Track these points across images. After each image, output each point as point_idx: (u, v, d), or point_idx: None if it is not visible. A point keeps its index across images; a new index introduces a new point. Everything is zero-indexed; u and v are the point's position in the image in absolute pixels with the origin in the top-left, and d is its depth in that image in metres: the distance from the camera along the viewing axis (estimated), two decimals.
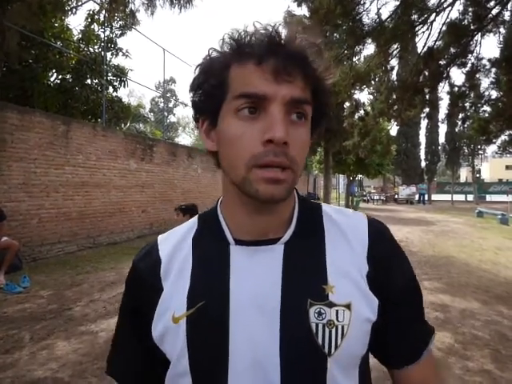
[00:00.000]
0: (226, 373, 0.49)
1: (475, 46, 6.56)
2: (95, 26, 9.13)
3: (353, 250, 0.54)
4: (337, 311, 0.49)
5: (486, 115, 9.04)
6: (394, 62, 6.93)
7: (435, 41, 6.05)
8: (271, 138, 0.44)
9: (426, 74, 6.67)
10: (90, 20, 8.91)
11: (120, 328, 0.63)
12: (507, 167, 41.42)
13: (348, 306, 0.50)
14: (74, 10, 6.76)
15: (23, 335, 3.20)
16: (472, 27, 6.17)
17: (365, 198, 27.40)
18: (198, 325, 0.51)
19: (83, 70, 8.42)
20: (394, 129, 26.06)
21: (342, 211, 0.62)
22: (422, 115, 8.58)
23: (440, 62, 6.49)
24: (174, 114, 33.93)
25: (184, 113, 44.81)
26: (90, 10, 8.86)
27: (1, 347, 2.96)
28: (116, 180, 8.00)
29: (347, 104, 8.91)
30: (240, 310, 0.50)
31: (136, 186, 8.69)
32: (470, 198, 26.17)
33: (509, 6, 6.16)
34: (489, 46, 8.46)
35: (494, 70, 7.15)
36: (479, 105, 9.28)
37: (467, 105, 9.53)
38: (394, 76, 8.02)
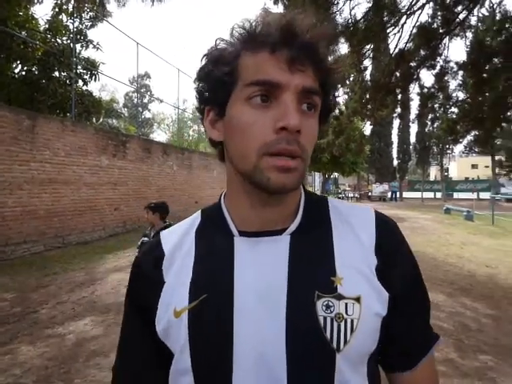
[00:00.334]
0: (230, 368, 0.47)
1: (443, 49, 6.83)
2: (63, 17, 8.73)
3: (361, 243, 0.53)
4: (346, 304, 0.47)
5: (454, 116, 9.45)
6: (367, 63, 7.07)
7: (406, 43, 6.24)
8: (285, 125, 0.44)
9: (398, 75, 6.87)
10: (57, 10, 8.51)
11: (125, 326, 0.60)
12: (473, 166, 43.55)
13: (357, 299, 0.48)
14: None
15: None
16: (441, 31, 6.41)
17: (340, 195, 27.98)
18: (200, 318, 0.49)
19: (50, 61, 8.04)
20: (368, 128, 26.76)
21: (349, 204, 0.61)
22: (394, 115, 8.86)
23: (411, 63, 6.69)
24: (149, 110, 33.16)
25: (159, 109, 43.95)
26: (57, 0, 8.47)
27: None
28: (86, 177, 7.72)
29: None
30: (245, 302, 0.48)
31: (108, 183, 8.43)
32: (439, 195, 27.28)
33: (475, 12, 6.46)
34: (456, 50, 8.83)
35: (461, 72, 7.47)
36: (447, 106, 9.68)
37: (436, 106, 9.93)
38: (367, 76, 8.22)
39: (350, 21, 5.46)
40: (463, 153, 30.70)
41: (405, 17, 5.79)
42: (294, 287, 0.48)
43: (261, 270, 0.50)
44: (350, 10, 5.41)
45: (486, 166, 29.22)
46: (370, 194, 27.90)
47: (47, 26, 8.56)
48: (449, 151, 28.97)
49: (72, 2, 7.56)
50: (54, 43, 8.46)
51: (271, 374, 0.46)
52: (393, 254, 0.53)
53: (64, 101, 8.44)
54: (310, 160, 0.50)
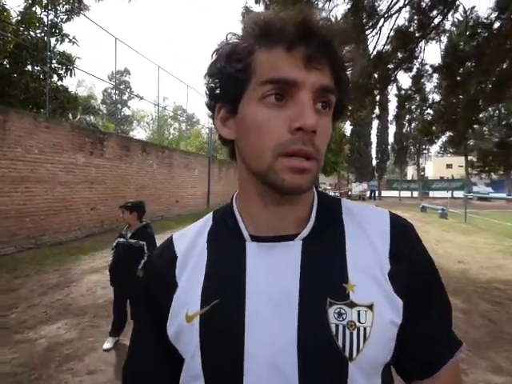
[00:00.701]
0: (241, 376, 0.46)
1: (420, 52, 7.02)
2: (37, 9, 8.38)
3: (374, 248, 0.51)
4: (358, 312, 0.46)
5: (429, 117, 9.74)
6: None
7: (384, 45, 6.38)
8: (302, 125, 0.43)
9: (376, 76, 7.01)
10: (30, 1, 8.16)
11: (136, 327, 0.59)
12: (448, 166, 45.08)
13: (370, 307, 0.46)
14: None
15: None
16: (417, 34, 6.59)
17: None
18: (211, 324, 0.48)
19: (23, 55, 7.69)
20: (348, 128, 27.27)
21: (364, 207, 0.58)
22: (373, 116, 9.04)
23: (388, 65, 6.85)
24: (129, 107, 32.42)
25: (139, 106, 43.10)
26: None
27: None
28: (61, 175, 7.46)
29: None
30: (256, 308, 0.47)
31: (85, 182, 8.18)
32: (416, 194, 28.15)
33: (449, 17, 6.67)
34: (432, 53, 9.12)
35: (436, 75, 7.71)
36: (423, 108, 9.98)
37: (413, 107, 10.22)
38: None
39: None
40: (439, 153, 31.81)
41: (382, 19, 5.91)
42: (306, 294, 0.47)
43: (273, 277, 0.49)
44: (330, 11, 5.48)
45: (460, 166, 30.34)
46: (350, 192, 28.41)
47: (19, 17, 8.20)
48: (425, 151, 29.93)
49: None
50: (26, 36, 8.11)
51: (283, 382, 0.45)
52: (407, 259, 0.51)
53: (37, 96, 8.11)
54: (323, 160, 0.49)
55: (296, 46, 0.44)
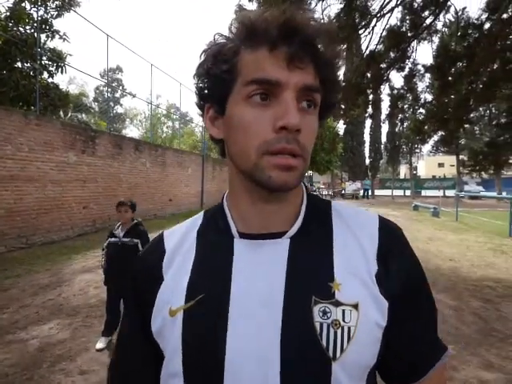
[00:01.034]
0: (222, 372, 0.45)
1: (412, 52, 7.10)
2: (27, 4, 8.24)
3: (362, 249, 0.51)
4: (343, 311, 0.46)
5: (421, 117, 9.85)
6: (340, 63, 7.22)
7: (376, 45, 6.42)
8: (285, 124, 0.44)
9: (369, 75, 7.06)
10: None
11: (124, 325, 0.59)
12: (440, 165, 45.65)
13: (355, 306, 0.46)
14: None
15: None
16: (409, 34, 6.65)
17: (314, 192, 28.40)
18: (194, 319, 0.48)
19: (12, 51, 7.57)
20: (341, 127, 27.42)
21: (353, 209, 0.59)
22: (366, 115, 9.09)
23: (381, 65, 6.90)
24: (121, 105, 32.12)
25: (132, 104, 42.73)
26: None
27: None
28: (53, 174, 7.37)
29: None
30: (241, 305, 0.47)
31: (76, 181, 8.09)
32: (408, 193, 28.42)
33: (441, 17, 6.74)
34: (424, 53, 9.21)
35: (428, 75, 7.79)
36: (416, 107, 10.08)
37: (406, 107, 10.32)
38: (340, 76, 8.38)
39: (322, 21, 5.53)
40: (431, 152, 32.09)
41: (375, 19, 5.94)
42: (291, 291, 0.47)
43: (259, 273, 0.49)
44: (323, 11, 5.49)
45: (452, 165, 30.76)
46: (343, 191, 28.56)
47: (8, 13, 8.05)
48: (417, 150, 30.20)
49: None
50: (16, 32, 7.97)
51: (264, 379, 0.44)
52: (394, 261, 0.51)
53: (27, 93, 7.98)
54: (310, 159, 0.50)
55: (278, 46, 0.45)
